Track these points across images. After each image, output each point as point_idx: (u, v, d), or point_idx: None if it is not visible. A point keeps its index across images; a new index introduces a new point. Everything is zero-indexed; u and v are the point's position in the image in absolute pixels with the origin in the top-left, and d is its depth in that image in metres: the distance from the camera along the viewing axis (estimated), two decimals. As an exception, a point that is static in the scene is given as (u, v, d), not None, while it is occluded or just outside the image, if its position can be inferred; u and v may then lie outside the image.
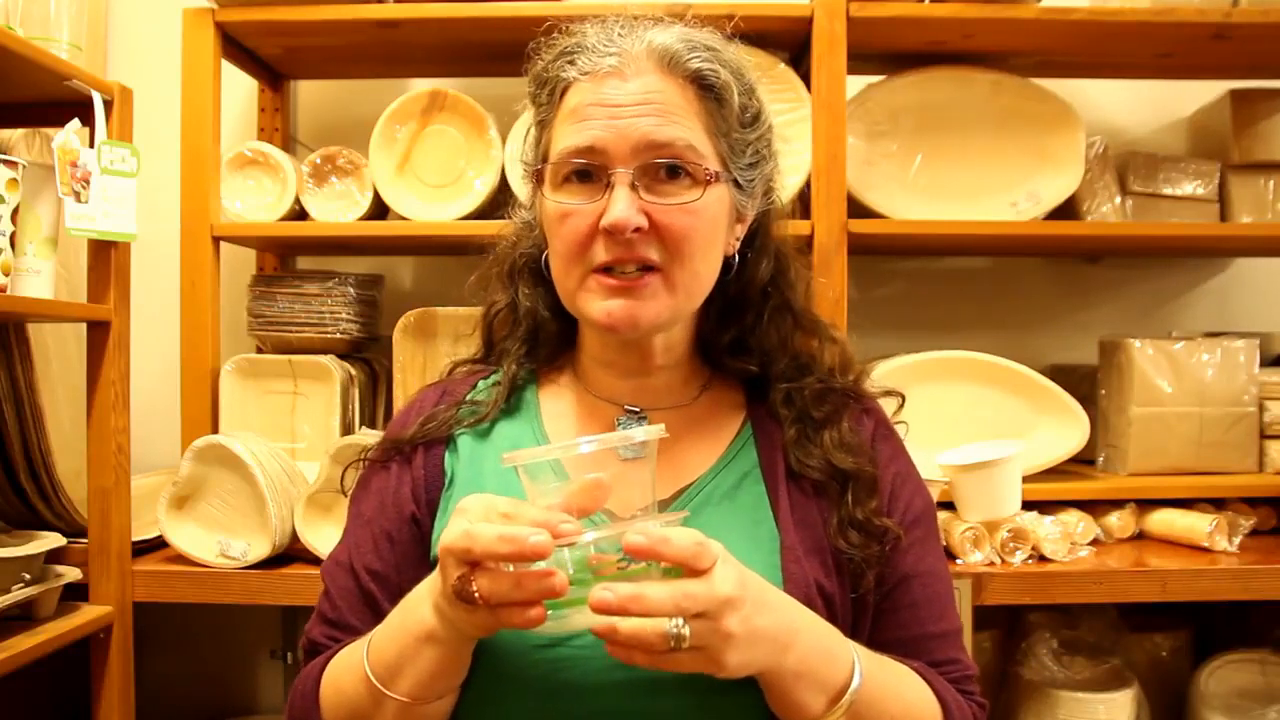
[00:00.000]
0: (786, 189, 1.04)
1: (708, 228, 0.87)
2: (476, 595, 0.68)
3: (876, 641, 0.87)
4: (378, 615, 0.83)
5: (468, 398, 0.98)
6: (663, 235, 0.85)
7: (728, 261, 0.93)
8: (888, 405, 1.01)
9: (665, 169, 0.85)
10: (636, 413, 0.94)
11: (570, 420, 0.96)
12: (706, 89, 0.86)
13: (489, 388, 0.98)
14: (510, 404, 0.97)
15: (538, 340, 0.99)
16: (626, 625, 0.67)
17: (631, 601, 0.65)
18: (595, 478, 0.72)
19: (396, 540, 0.91)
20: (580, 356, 0.98)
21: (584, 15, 0.92)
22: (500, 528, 0.67)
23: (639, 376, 0.95)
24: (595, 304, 0.86)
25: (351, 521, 0.95)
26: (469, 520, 0.70)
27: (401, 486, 0.93)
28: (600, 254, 0.85)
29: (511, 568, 0.68)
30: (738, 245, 0.94)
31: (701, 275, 0.89)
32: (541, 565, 0.67)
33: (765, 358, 0.97)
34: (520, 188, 1.12)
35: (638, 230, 0.83)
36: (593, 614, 0.67)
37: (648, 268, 0.85)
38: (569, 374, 0.99)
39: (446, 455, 0.94)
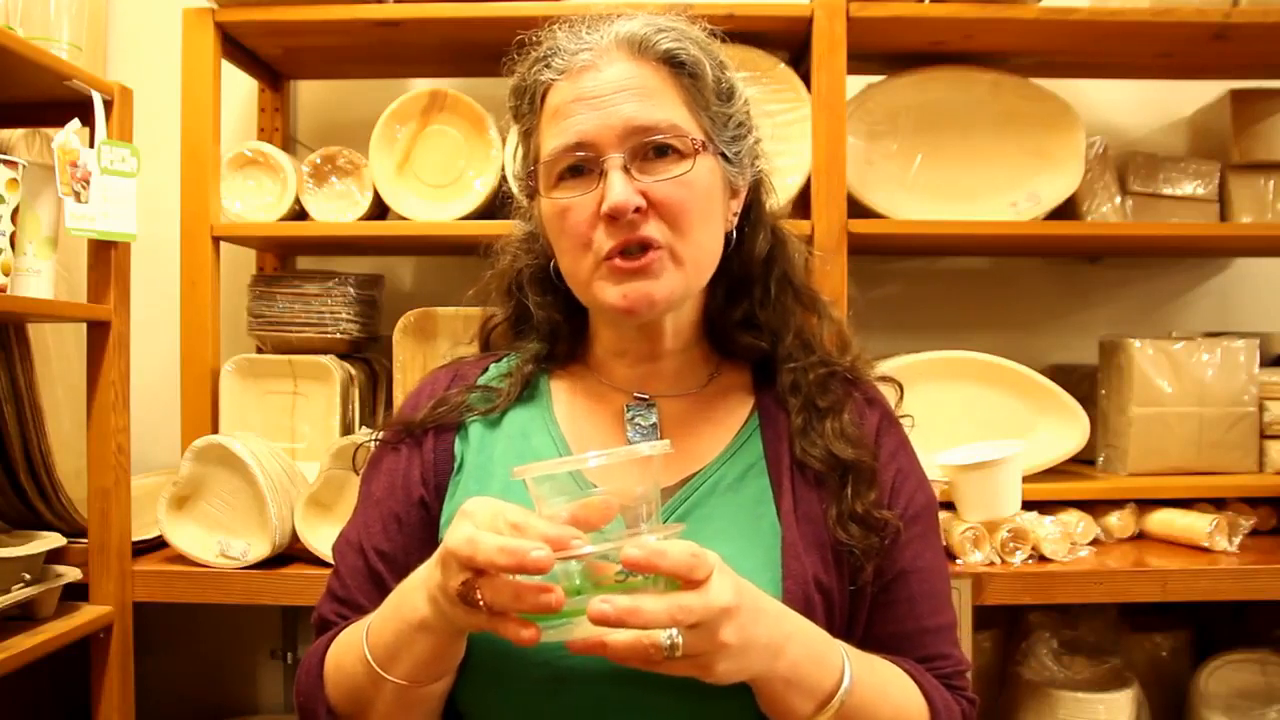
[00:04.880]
0: (786, 188, 1.05)
1: (703, 198, 0.88)
2: (481, 601, 0.69)
3: (872, 635, 0.88)
4: (385, 595, 0.85)
5: (479, 381, 0.99)
6: (661, 211, 0.86)
7: (728, 238, 0.94)
8: (888, 395, 1.02)
9: (654, 149, 0.86)
10: (645, 399, 0.96)
11: (580, 407, 0.97)
12: (679, 67, 0.88)
13: (500, 376, 1.00)
14: (523, 393, 0.98)
15: (556, 339, 1.01)
16: (617, 638, 0.69)
17: (629, 614, 0.66)
18: (604, 498, 0.74)
19: (404, 522, 0.92)
20: (592, 349, 1.00)
21: (583, 15, 0.92)
22: (503, 540, 0.67)
23: (649, 362, 0.96)
24: (609, 290, 0.88)
25: (362, 501, 0.97)
26: (474, 525, 0.71)
27: (411, 469, 0.94)
28: (605, 241, 0.86)
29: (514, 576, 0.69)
30: (736, 220, 0.95)
31: (705, 247, 0.90)
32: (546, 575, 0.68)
33: (774, 336, 0.98)
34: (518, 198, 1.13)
35: (637, 210, 0.85)
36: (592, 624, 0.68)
37: (652, 247, 0.86)
38: (581, 364, 1.01)
39: (456, 440, 0.95)
